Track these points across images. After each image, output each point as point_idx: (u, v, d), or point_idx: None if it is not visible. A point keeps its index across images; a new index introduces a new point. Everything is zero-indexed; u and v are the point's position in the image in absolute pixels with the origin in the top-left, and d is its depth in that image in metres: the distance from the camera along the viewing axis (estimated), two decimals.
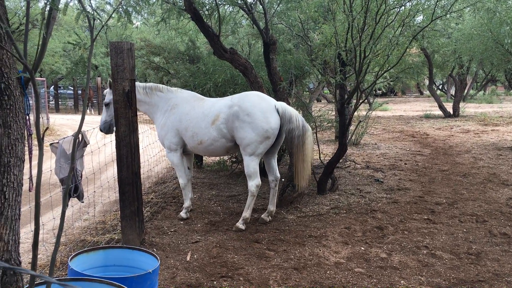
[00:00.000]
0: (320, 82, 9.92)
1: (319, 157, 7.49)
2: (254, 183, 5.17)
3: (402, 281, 3.86)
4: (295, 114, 5.24)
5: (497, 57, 11.77)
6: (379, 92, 33.09)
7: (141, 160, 4.85)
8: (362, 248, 4.60)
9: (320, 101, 25.31)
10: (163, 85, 5.73)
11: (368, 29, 5.69)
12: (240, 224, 5.18)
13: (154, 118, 5.67)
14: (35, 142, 5.12)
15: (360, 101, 6.35)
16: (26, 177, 2.47)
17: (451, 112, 20.15)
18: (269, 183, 5.57)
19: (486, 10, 10.10)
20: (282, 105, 5.22)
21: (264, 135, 5.05)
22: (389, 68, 6.12)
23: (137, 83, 5.54)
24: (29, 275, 2.13)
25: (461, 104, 21.39)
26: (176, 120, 5.42)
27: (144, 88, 5.58)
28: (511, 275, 3.96)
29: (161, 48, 9.63)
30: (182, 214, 5.64)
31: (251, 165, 5.15)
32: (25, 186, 2.43)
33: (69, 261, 2.89)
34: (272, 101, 5.23)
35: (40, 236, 4.48)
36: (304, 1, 6.87)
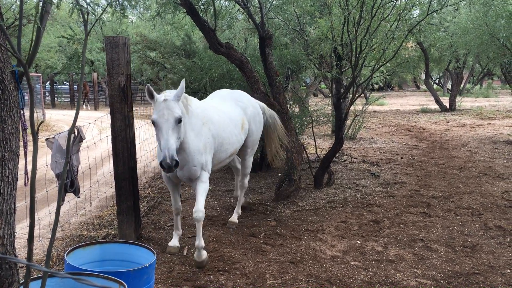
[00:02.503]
0: (316, 77, 9.90)
1: (316, 152, 7.49)
2: (248, 179, 5.33)
3: (397, 274, 3.88)
4: (266, 107, 5.47)
5: (493, 50, 11.78)
6: (375, 86, 33.10)
7: (138, 155, 4.85)
8: (358, 242, 4.62)
9: (317, 95, 25.30)
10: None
11: (364, 23, 5.69)
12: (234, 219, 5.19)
13: (184, 142, 3.85)
14: (30, 137, 5.11)
15: (356, 95, 6.36)
16: (21, 172, 2.46)
17: (448, 106, 20.19)
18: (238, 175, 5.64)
19: (482, 3, 10.10)
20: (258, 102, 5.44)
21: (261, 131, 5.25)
22: (385, 62, 6.12)
23: (191, 97, 4.18)
24: (25, 271, 2.13)
25: (458, 98, 21.42)
26: (213, 135, 4.23)
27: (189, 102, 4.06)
28: (506, 267, 3.99)
29: (156, 42, 9.58)
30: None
31: (251, 163, 5.27)
32: (21, 181, 2.43)
33: (65, 255, 2.89)
34: None
35: (37, 231, 4.48)
36: None
